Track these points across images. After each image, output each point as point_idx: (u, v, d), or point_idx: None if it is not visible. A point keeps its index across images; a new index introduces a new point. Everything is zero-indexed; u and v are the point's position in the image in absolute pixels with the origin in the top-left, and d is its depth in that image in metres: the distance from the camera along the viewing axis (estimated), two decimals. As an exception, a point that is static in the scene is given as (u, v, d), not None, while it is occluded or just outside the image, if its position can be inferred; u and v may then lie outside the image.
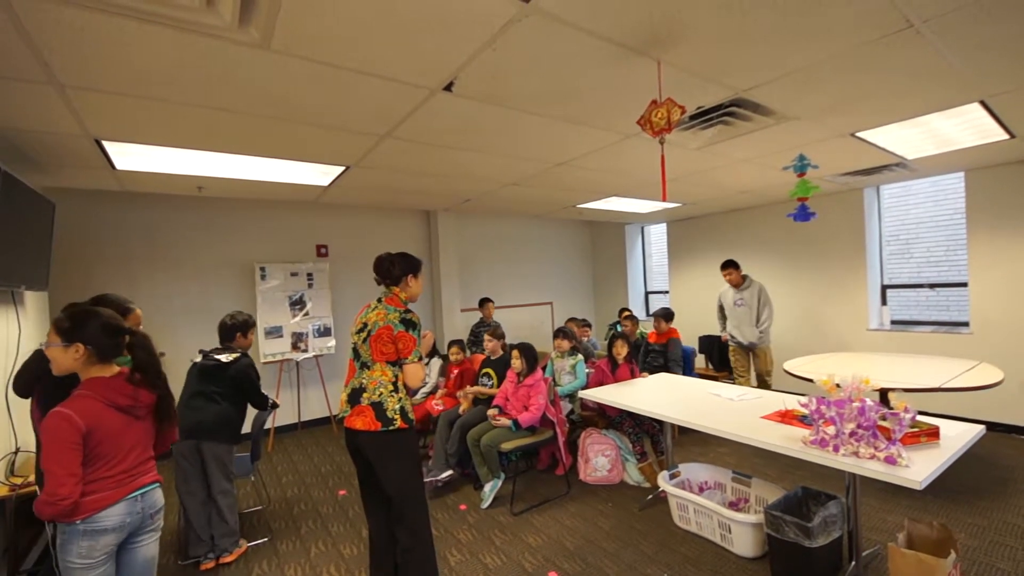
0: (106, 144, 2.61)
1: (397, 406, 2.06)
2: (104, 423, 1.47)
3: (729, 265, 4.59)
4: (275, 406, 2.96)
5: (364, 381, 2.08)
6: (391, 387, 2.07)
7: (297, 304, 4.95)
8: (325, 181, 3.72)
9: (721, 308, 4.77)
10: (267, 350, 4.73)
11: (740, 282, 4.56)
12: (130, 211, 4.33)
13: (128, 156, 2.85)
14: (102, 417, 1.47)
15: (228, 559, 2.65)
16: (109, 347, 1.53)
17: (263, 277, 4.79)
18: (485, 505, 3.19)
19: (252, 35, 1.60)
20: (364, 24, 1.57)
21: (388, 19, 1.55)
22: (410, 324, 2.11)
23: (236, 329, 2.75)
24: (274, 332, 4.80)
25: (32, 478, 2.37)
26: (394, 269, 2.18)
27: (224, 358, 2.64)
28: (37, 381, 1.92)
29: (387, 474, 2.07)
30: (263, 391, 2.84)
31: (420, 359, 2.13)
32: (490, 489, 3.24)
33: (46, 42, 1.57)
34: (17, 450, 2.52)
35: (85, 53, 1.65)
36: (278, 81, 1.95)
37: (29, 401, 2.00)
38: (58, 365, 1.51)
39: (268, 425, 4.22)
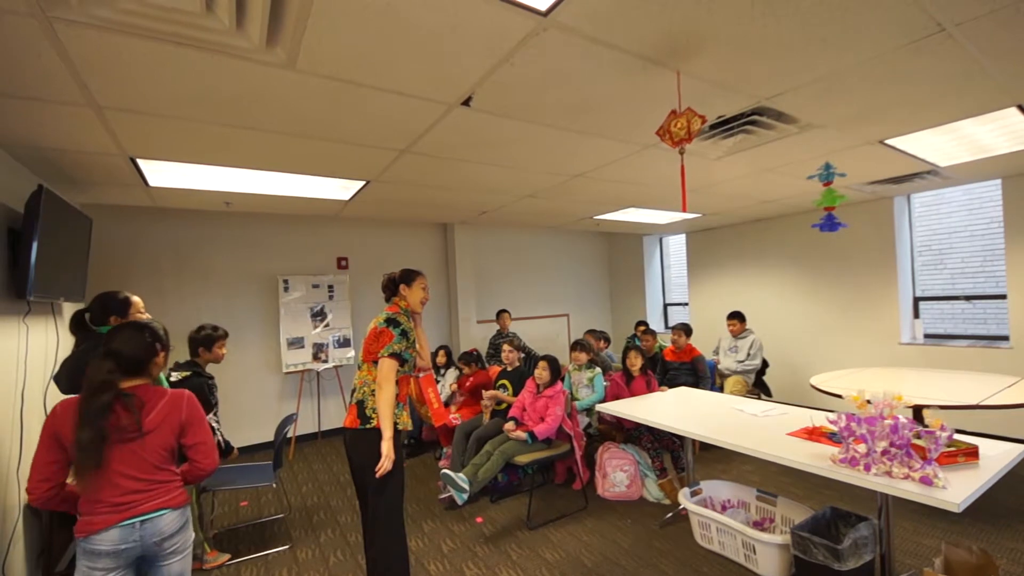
0: (140, 162, 2.73)
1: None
2: (70, 433, 1.42)
3: (734, 316, 4.79)
4: (227, 449, 2.70)
5: (355, 381, 2.20)
6: (375, 387, 2.11)
7: (318, 315, 5.04)
8: (346, 195, 3.80)
9: (717, 350, 4.97)
10: (289, 360, 4.83)
11: (739, 332, 4.75)
12: (161, 226, 4.50)
13: (161, 173, 2.97)
14: (70, 426, 1.42)
15: None
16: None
17: (286, 289, 4.91)
18: (441, 490, 3.24)
19: (279, 56, 1.65)
20: (385, 43, 1.61)
21: (408, 37, 1.58)
22: (392, 322, 2.15)
23: (198, 344, 2.74)
24: (296, 343, 4.89)
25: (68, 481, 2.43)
26: (391, 285, 2.32)
27: (174, 376, 2.60)
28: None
29: (362, 473, 2.10)
30: (215, 423, 2.62)
31: (394, 356, 2.08)
32: (455, 490, 2.93)
33: (86, 66, 1.66)
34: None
35: (122, 76, 1.74)
36: (302, 99, 2.01)
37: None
38: None
39: (289, 434, 4.29)
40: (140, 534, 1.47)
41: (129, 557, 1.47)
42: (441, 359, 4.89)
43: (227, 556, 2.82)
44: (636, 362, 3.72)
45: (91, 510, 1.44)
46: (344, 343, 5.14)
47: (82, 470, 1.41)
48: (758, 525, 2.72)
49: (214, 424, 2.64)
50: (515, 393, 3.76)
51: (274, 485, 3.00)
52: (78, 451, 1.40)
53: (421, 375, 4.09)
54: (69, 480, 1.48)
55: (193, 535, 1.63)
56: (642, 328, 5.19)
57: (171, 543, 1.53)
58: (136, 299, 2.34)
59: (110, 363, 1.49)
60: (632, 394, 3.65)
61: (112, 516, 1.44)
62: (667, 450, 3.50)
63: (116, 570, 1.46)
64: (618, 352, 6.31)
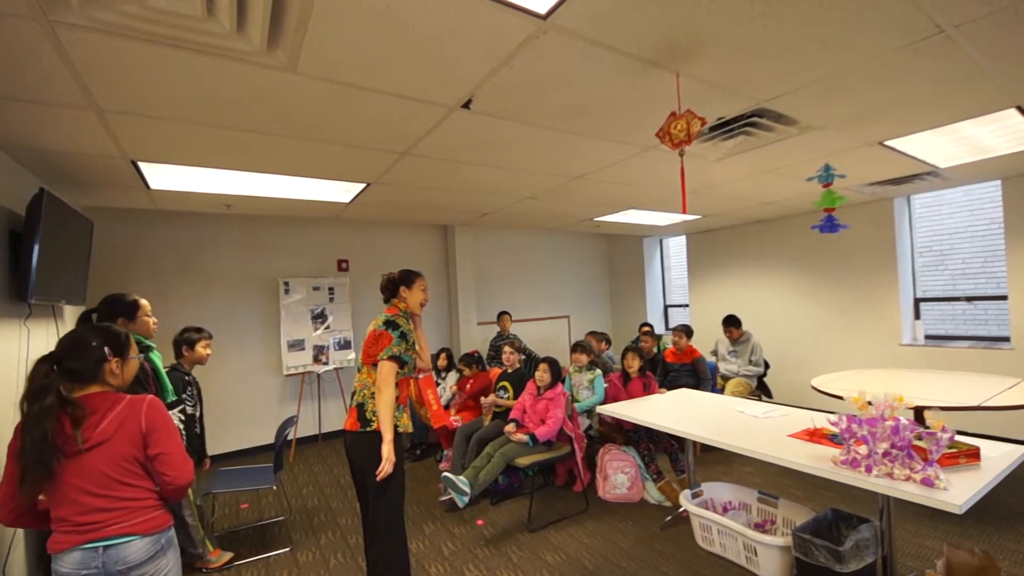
0: (142, 165, 2.74)
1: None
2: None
3: (729, 323, 4.72)
4: (199, 457, 2.67)
5: (355, 384, 2.21)
6: (375, 389, 2.10)
7: (319, 318, 5.04)
8: (347, 198, 3.81)
9: (715, 352, 4.92)
10: (289, 363, 4.82)
11: (738, 338, 4.72)
12: (162, 228, 4.51)
13: (162, 176, 2.98)
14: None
15: None
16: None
17: (287, 291, 4.91)
18: (442, 492, 3.33)
19: (279, 59, 1.66)
20: (385, 46, 1.61)
21: (408, 40, 1.59)
22: (391, 324, 2.15)
23: (180, 344, 2.76)
24: (296, 345, 4.89)
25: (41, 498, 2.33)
26: (390, 285, 2.30)
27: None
28: None
29: (363, 476, 2.11)
30: (180, 420, 2.54)
31: (393, 358, 2.08)
32: (456, 493, 2.92)
33: (87, 69, 1.66)
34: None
35: (124, 79, 1.74)
36: (303, 102, 2.01)
37: None
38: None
39: (290, 437, 4.30)
40: (103, 560, 1.33)
41: None
42: (443, 362, 4.89)
43: (230, 555, 2.82)
44: (634, 364, 3.72)
45: (57, 528, 1.35)
46: (345, 345, 5.14)
47: (33, 480, 1.31)
48: (759, 527, 2.71)
49: (177, 421, 2.53)
50: (515, 395, 3.76)
51: (275, 487, 3.00)
52: (25, 459, 1.29)
53: (420, 376, 4.08)
54: (42, 497, 1.38)
55: (178, 560, 1.51)
56: (645, 329, 5.19)
57: (139, 573, 1.37)
58: (144, 302, 2.35)
59: (47, 366, 1.37)
60: (628, 395, 3.65)
61: (74, 537, 1.33)
62: (664, 452, 3.50)
63: None
64: (620, 354, 6.30)
